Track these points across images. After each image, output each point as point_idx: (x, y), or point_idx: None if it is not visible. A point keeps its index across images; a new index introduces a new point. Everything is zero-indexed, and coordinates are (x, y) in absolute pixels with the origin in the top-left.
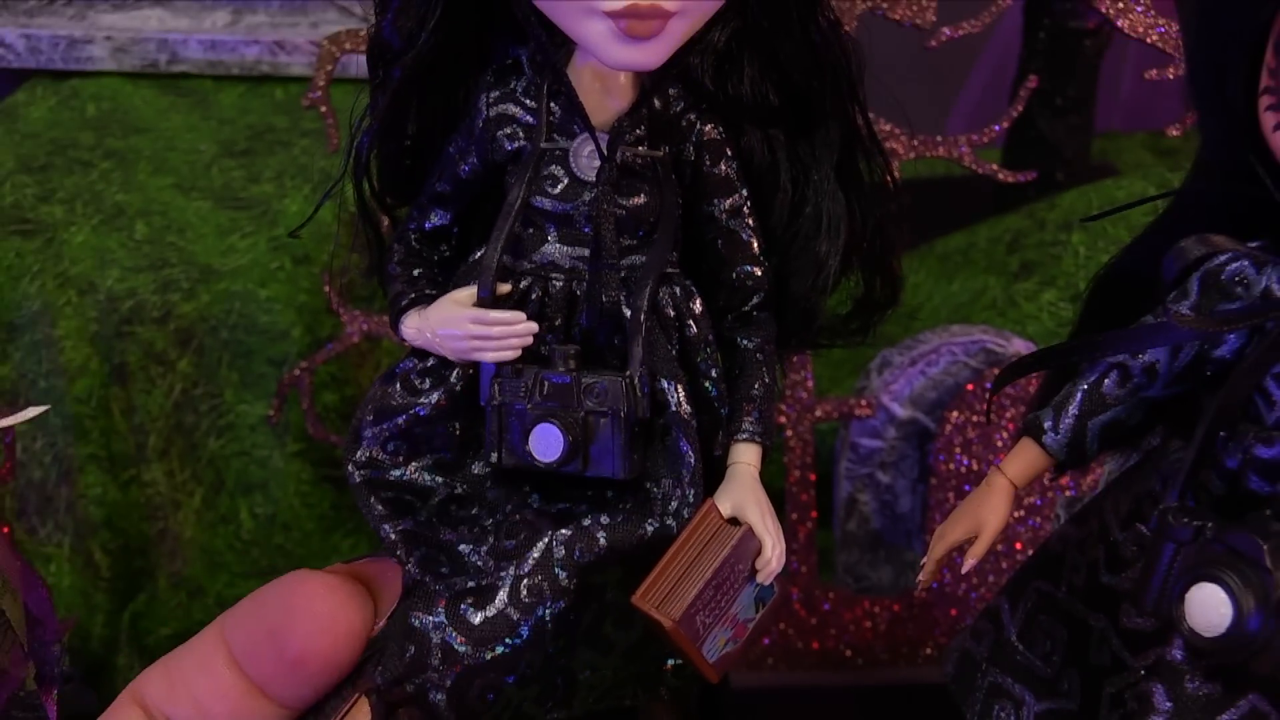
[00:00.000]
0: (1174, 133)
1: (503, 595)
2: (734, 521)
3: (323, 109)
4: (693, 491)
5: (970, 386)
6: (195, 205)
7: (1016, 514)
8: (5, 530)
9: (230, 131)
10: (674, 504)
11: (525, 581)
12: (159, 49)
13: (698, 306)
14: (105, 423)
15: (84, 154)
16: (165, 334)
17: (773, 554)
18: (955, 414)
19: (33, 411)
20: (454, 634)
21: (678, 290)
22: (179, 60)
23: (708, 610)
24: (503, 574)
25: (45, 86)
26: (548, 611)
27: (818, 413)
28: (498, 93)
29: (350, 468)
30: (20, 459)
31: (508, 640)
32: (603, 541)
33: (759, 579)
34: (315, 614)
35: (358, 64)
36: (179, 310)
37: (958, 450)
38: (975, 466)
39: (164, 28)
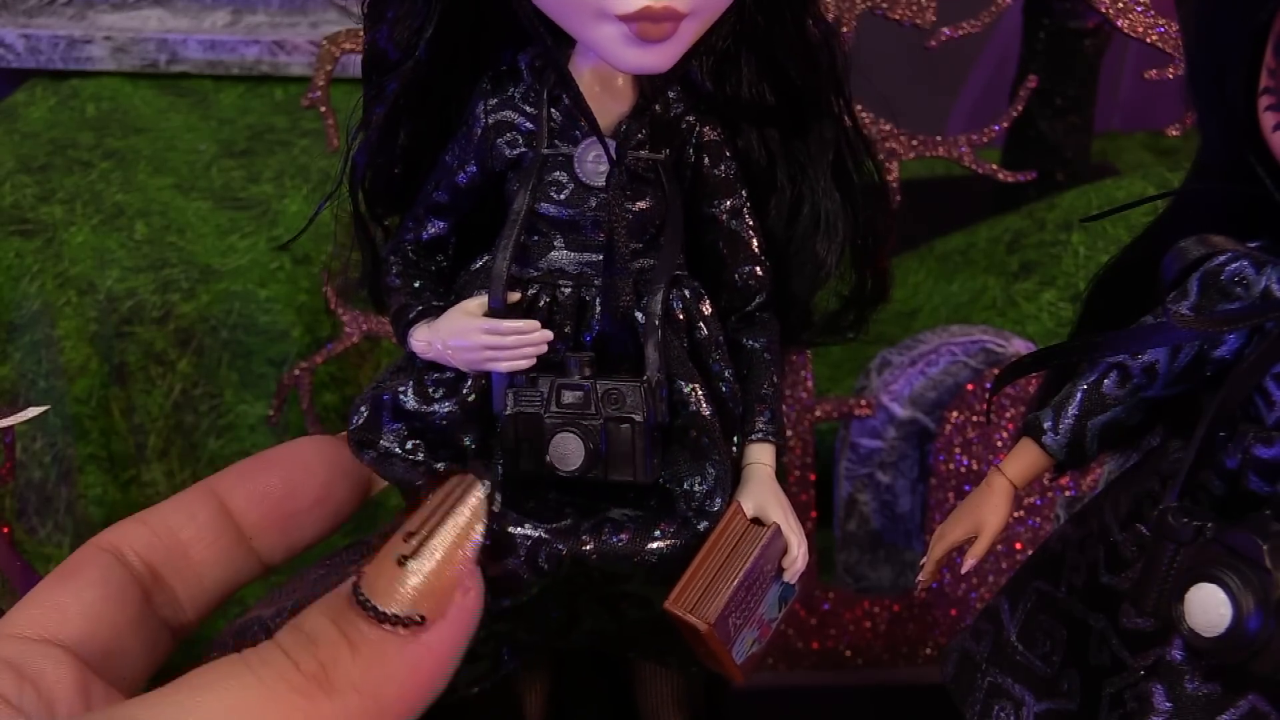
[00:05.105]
0: (1174, 133)
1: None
2: (756, 522)
3: (322, 109)
4: (720, 490)
5: (970, 386)
6: (195, 205)
7: (1016, 514)
8: (5, 530)
9: (230, 131)
10: (697, 501)
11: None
12: (159, 49)
13: (707, 308)
14: (105, 423)
15: (84, 154)
16: (165, 334)
17: (799, 552)
18: (955, 414)
19: (33, 411)
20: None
21: (687, 292)
22: (179, 60)
23: (739, 612)
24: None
25: (45, 86)
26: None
27: (818, 413)
28: (496, 99)
29: (362, 450)
30: (20, 459)
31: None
32: (625, 538)
33: (786, 577)
34: (334, 460)
35: (357, 64)
36: (179, 310)
37: (958, 450)
38: (975, 466)
39: (164, 28)
